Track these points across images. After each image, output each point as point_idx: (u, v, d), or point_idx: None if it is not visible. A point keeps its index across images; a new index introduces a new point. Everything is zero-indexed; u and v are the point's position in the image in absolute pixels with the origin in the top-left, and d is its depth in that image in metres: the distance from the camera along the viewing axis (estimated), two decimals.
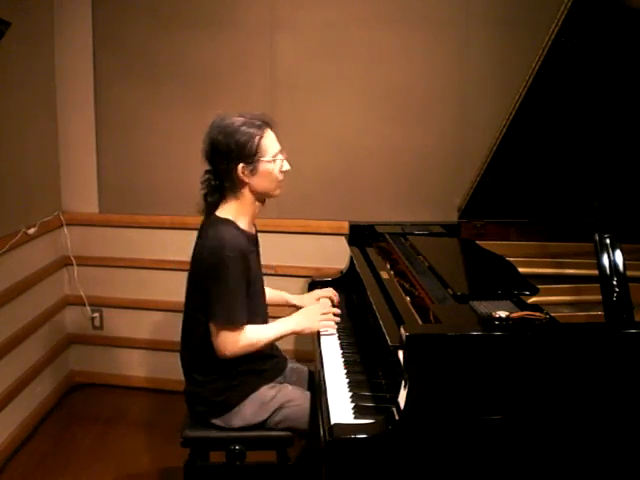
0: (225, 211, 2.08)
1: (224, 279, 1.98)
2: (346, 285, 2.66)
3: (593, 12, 1.68)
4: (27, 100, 3.05)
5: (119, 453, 2.94)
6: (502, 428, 1.51)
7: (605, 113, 1.88)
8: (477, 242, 2.43)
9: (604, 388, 1.53)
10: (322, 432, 1.60)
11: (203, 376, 2.11)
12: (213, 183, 2.08)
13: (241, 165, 2.02)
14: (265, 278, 2.27)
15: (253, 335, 2.07)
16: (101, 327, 3.52)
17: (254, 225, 2.21)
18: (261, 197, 2.11)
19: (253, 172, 2.03)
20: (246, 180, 2.04)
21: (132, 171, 3.37)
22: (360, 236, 2.68)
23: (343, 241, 2.75)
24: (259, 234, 2.26)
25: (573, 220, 2.31)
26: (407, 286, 2.09)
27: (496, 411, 1.50)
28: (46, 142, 3.28)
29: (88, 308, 3.48)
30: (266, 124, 2.07)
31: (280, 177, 2.09)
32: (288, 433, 2.10)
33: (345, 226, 2.79)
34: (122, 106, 3.32)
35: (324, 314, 2.22)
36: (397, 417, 1.49)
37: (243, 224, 2.10)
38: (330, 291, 2.47)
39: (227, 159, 2.02)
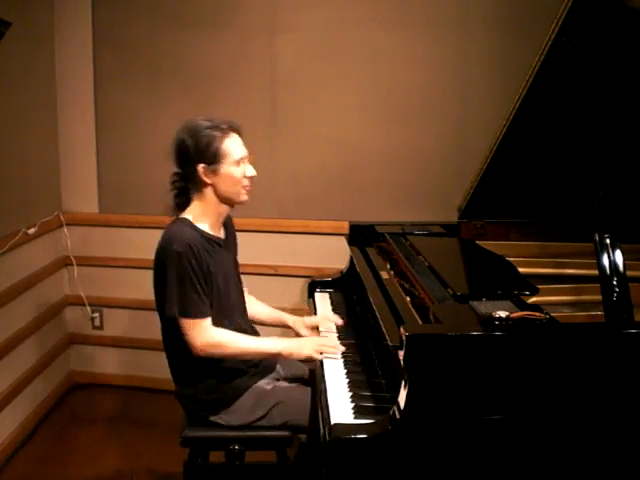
0: (187, 212, 2.10)
1: (174, 272, 1.98)
2: (346, 285, 2.66)
3: (593, 12, 1.68)
4: (27, 100, 3.05)
5: (119, 453, 2.94)
6: (503, 428, 1.51)
7: (605, 113, 1.88)
8: (477, 242, 2.43)
9: (604, 388, 1.53)
10: (322, 432, 1.59)
11: (191, 374, 2.10)
12: (179, 185, 2.12)
13: (201, 165, 2.03)
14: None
15: (223, 336, 2.03)
16: (101, 327, 3.52)
17: (226, 227, 2.20)
18: (226, 200, 2.10)
19: (215, 173, 2.04)
20: (208, 181, 2.05)
21: (132, 171, 3.37)
22: (360, 236, 2.67)
23: (343, 241, 2.74)
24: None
25: (573, 220, 2.31)
26: (407, 286, 2.09)
27: (496, 411, 1.50)
28: (46, 142, 3.28)
29: (88, 308, 3.48)
30: (232, 129, 2.07)
31: (245, 182, 2.08)
32: (287, 433, 2.10)
33: (345, 226, 2.78)
34: (122, 106, 3.32)
35: (322, 345, 2.07)
36: (397, 417, 1.49)
37: (205, 226, 2.10)
38: (327, 319, 2.30)
39: (188, 159, 2.04)
